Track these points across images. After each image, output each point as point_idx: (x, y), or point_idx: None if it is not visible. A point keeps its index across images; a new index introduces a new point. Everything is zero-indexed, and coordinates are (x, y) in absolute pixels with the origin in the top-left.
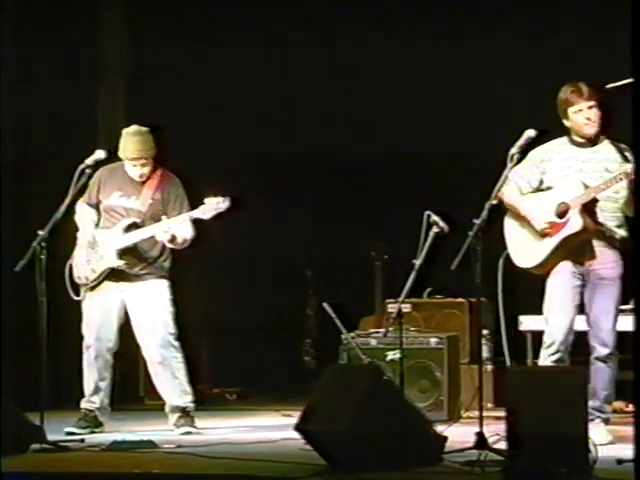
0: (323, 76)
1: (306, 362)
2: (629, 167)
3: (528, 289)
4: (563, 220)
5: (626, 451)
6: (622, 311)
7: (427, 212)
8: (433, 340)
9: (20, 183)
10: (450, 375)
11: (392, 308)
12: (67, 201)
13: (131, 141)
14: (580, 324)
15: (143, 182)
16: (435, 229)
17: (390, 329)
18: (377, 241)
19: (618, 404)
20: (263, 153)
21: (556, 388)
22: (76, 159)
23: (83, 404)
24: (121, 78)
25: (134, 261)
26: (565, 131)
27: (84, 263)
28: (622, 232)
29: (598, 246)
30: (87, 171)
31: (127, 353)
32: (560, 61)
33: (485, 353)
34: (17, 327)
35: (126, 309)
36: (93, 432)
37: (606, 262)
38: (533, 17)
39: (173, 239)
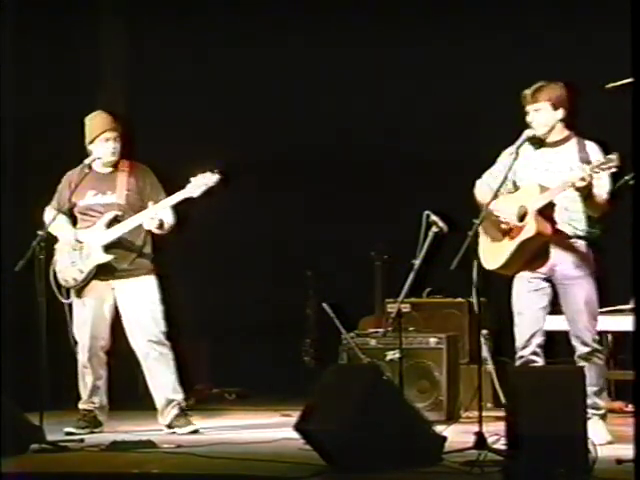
0: (324, 75)
1: (306, 362)
2: (585, 169)
3: None
4: (522, 224)
5: (626, 451)
6: (621, 311)
7: (426, 212)
8: (432, 340)
9: (20, 183)
10: (449, 375)
11: (391, 308)
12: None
13: (98, 118)
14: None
15: (114, 176)
16: (434, 229)
17: (389, 329)
18: (377, 241)
19: (618, 404)
20: (263, 153)
21: (556, 388)
22: (76, 159)
23: (82, 405)
24: (121, 78)
25: (121, 254)
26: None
27: (69, 265)
28: (587, 231)
29: (560, 247)
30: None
31: (126, 353)
32: (560, 61)
33: (484, 353)
34: (17, 327)
35: (116, 306)
36: (92, 432)
37: (569, 262)
38: (533, 17)
39: (161, 225)
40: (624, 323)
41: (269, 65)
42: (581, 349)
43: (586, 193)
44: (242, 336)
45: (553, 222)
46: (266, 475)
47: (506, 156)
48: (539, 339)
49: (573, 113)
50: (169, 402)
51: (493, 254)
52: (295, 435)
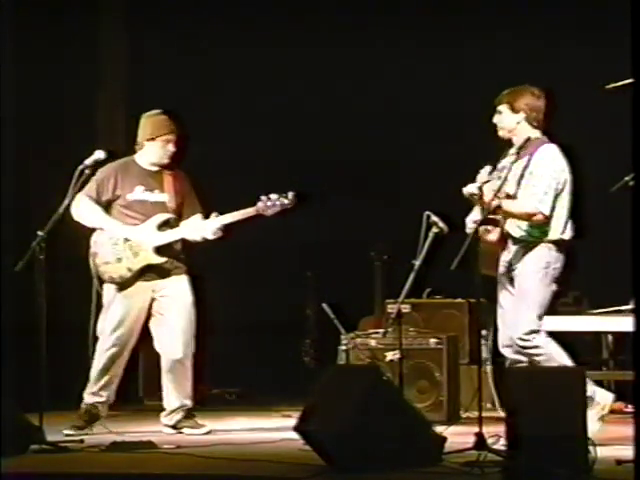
0: (323, 77)
1: (305, 362)
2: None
3: None
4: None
5: (626, 452)
6: (621, 311)
7: (427, 212)
8: (432, 340)
9: (20, 182)
10: (449, 375)
11: (391, 308)
12: (66, 201)
13: (162, 119)
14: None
15: (160, 175)
16: (435, 229)
17: (389, 329)
18: (377, 241)
19: (618, 405)
20: (262, 153)
21: (555, 388)
22: (76, 159)
23: (89, 398)
24: (121, 78)
25: (168, 256)
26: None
27: (113, 261)
28: (529, 232)
29: (513, 248)
30: (86, 171)
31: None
32: (560, 61)
33: (484, 353)
34: (16, 328)
35: (151, 306)
36: (90, 431)
37: (519, 262)
38: (532, 17)
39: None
40: (624, 324)
41: (269, 67)
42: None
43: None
44: (242, 336)
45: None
46: (266, 475)
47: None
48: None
49: (543, 121)
50: (181, 406)
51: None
52: (295, 436)
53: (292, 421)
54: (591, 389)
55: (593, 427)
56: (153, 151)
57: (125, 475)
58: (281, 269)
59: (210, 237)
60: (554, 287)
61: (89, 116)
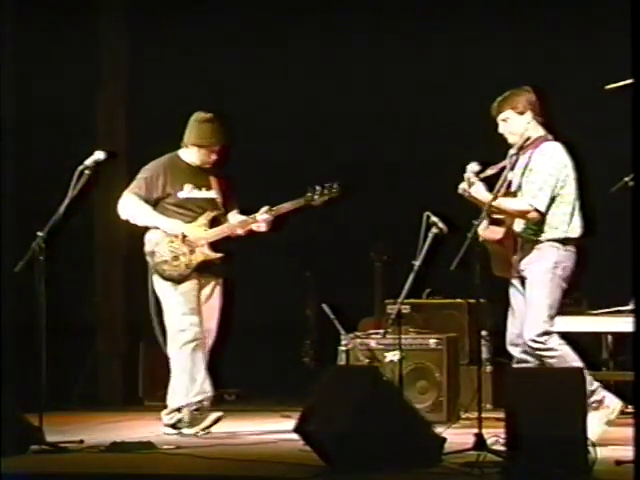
0: (322, 76)
1: (305, 363)
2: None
3: None
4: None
5: (625, 452)
6: (621, 312)
7: (426, 213)
8: (432, 341)
9: (20, 183)
10: (449, 376)
11: (391, 309)
12: (66, 202)
13: (216, 127)
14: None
15: (204, 173)
16: (434, 230)
17: (389, 330)
18: (376, 242)
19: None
20: (262, 153)
21: (555, 389)
22: (76, 160)
23: (196, 397)
24: (121, 79)
25: (221, 251)
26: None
27: (170, 259)
28: (537, 232)
29: (524, 248)
30: (86, 172)
31: (127, 354)
32: (559, 61)
33: (484, 354)
34: (16, 328)
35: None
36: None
37: (528, 262)
38: (533, 17)
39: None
40: (624, 324)
41: (269, 67)
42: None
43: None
44: (242, 337)
45: (508, 226)
46: (266, 476)
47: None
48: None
49: (544, 115)
50: (189, 405)
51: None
52: (294, 436)
53: (292, 421)
54: (601, 393)
55: (599, 429)
56: (197, 156)
57: (124, 476)
58: (281, 269)
59: (263, 229)
60: (564, 286)
61: (89, 116)
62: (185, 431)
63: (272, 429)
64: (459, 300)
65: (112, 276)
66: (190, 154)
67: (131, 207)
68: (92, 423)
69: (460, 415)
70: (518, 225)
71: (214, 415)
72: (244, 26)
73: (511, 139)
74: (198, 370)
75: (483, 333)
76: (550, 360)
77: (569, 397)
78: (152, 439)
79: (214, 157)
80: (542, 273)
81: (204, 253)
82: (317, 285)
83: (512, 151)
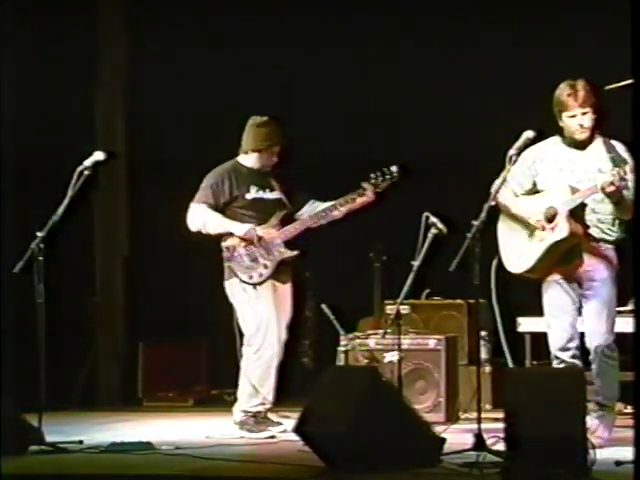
0: (322, 75)
1: (304, 363)
2: (615, 173)
3: (526, 291)
4: (551, 225)
5: (625, 453)
6: (620, 312)
7: (426, 213)
8: (431, 342)
9: (20, 184)
10: (448, 376)
11: (390, 309)
12: (65, 203)
13: (272, 129)
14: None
15: (262, 173)
16: (434, 230)
17: (388, 330)
18: (375, 242)
19: (617, 406)
20: None
21: (554, 389)
22: (75, 160)
23: (256, 408)
24: (120, 79)
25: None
26: (559, 129)
27: (250, 262)
28: (614, 234)
29: (588, 249)
30: (85, 173)
31: (126, 354)
32: (559, 61)
33: (483, 354)
34: (16, 329)
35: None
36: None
37: (595, 264)
38: (533, 17)
39: None
40: (624, 324)
41: (269, 67)
42: (595, 351)
43: (617, 197)
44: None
45: (584, 224)
46: (265, 476)
47: (529, 155)
48: (577, 342)
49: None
50: (247, 412)
51: (519, 257)
52: (294, 437)
53: (291, 422)
54: None
55: None
56: (258, 160)
57: (124, 476)
58: None
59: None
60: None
61: (89, 116)
62: (246, 435)
63: (272, 429)
64: (458, 301)
65: (112, 276)
66: (251, 159)
67: (201, 216)
68: (91, 423)
69: (459, 415)
70: (591, 221)
71: (280, 427)
72: (244, 26)
73: (582, 135)
74: (266, 377)
75: (482, 333)
76: (611, 368)
77: (569, 397)
78: (151, 439)
79: (275, 159)
80: (610, 278)
81: (281, 252)
82: (316, 285)
83: (512, 151)
